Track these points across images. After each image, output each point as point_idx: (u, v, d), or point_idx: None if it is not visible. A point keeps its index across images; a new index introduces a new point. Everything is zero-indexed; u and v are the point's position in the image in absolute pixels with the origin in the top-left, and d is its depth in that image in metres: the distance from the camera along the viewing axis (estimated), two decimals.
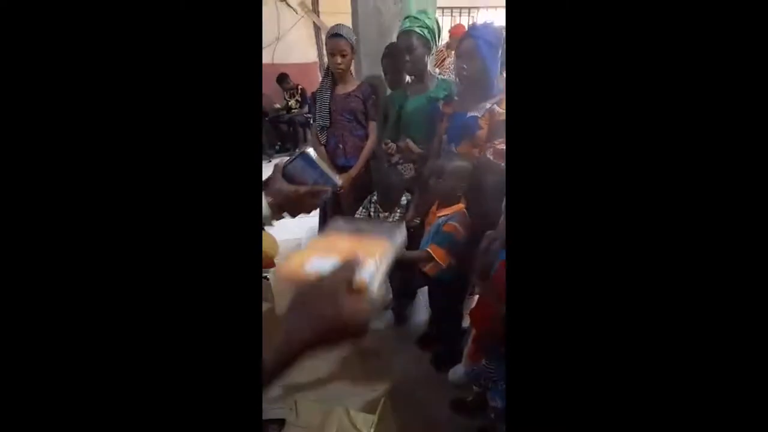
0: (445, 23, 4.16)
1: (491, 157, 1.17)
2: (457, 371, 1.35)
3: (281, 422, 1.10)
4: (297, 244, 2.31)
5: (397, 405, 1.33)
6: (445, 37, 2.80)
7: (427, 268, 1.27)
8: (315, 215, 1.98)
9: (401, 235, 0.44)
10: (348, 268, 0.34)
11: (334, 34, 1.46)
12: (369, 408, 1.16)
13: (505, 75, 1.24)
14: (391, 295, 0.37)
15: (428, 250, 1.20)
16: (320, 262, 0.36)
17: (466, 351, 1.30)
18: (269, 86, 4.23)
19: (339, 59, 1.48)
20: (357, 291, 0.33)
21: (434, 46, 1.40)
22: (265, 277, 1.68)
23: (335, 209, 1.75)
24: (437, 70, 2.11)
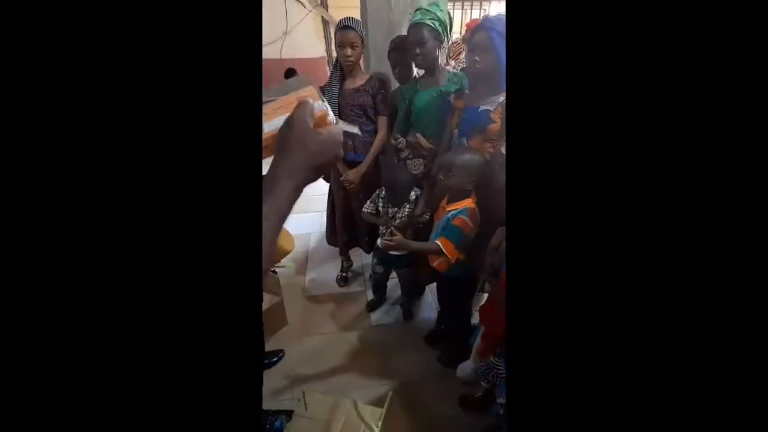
0: (456, 17, 4.12)
1: (505, 151, 1.15)
2: (466, 368, 1.34)
3: (289, 413, 1.11)
4: (306, 239, 2.33)
5: (404, 400, 1.33)
6: (459, 30, 2.74)
7: (436, 264, 1.27)
8: (322, 210, 1.98)
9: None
10: (304, 106, 0.39)
11: (344, 26, 1.45)
12: (376, 402, 1.16)
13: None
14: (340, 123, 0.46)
15: (437, 242, 1.19)
16: (279, 120, 0.41)
17: (475, 348, 1.30)
18: (277, 82, 4.23)
19: (349, 51, 1.46)
20: (320, 119, 0.40)
21: (446, 40, 1.38)
22: (273, 271, 1.70)
23: (344, 205, 1.75)
24: (453, 63, 2.07)
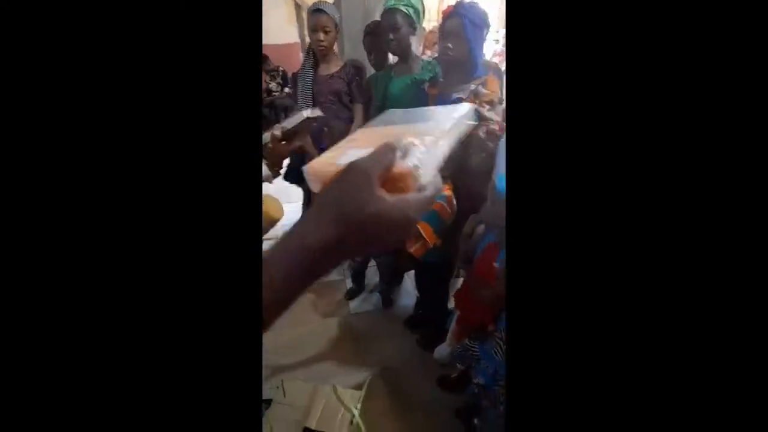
0: (432, 5, 4.09)
1: (483, 135, 1.17)
2: (442, 350, 1.39)
3: (267, 401, 1.11)
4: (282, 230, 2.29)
5: (384, 382, 1.36)
6: (435, 18, 2.72)
7: (413, 249, 1.29)
8: (299, 201, 1.96)
9: (466, 112, 0.35)
10: (386, 153, 0.26)
11: (316, 9, 1.41)
12: (357, 388, 1.18)
13: (500, 59, 1.23)
14: (440, 187, 0.25)
15: (417, 225, 1.21)
16: (356, 153, 0.28)
17: (450, 331, 1.34)
18: None
19: (321, 36, 1.43)
20: (398, 179, 0.26)
21: (419, 26, 1.38)
22: None
23: None
24: (428, 53, 2.07)
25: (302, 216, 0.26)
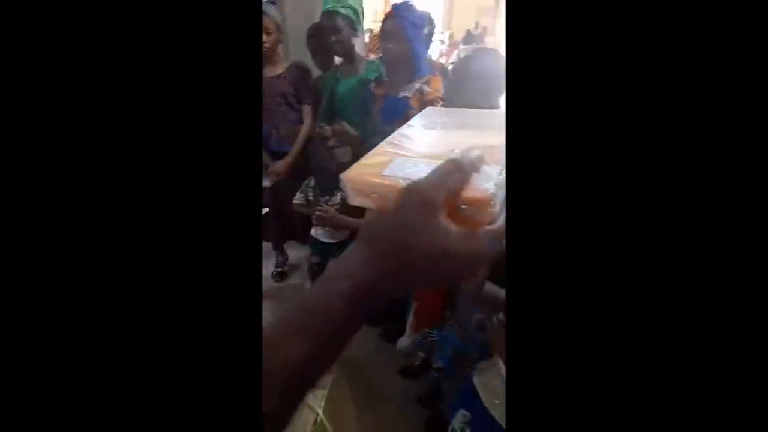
0: (379, 7, 4.14)
1: None
2: (403, 342, 1.43)
3: None
4: None
5: (348, 379, 1.37)
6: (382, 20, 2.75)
7: None
8: None
9: None
10: (453, 172, 0.21)
11: None
12: (320, 387, 1.18)
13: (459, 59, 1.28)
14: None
15: None
16: (404, 164, 0.24)
17: (408, 323, 1.39)
18: None
19: (264, 37, 1.41)
20: (471, 205, 0.21)
21: (360, 28, 1.41)
22: None
23: (272, 196, 1.71)
24: (372, 56, 2.10)
25: (344, 252, 0.22)
